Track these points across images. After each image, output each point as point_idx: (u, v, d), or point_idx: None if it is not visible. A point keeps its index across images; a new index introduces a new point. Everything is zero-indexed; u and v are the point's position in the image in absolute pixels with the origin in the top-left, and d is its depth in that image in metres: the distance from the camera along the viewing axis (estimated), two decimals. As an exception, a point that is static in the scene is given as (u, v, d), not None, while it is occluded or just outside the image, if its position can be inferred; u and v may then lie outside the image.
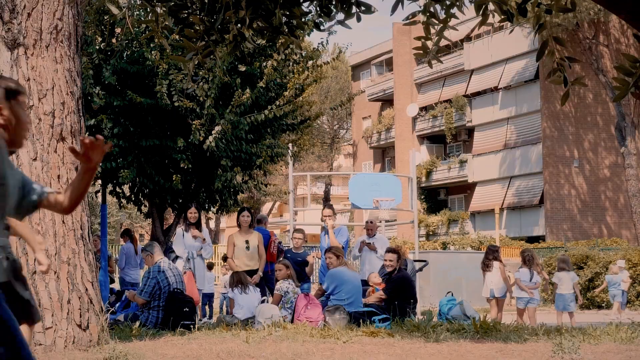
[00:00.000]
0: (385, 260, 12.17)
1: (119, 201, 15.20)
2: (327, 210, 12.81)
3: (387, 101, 49.38)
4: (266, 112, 13.68)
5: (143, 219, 20.79)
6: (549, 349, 7.19)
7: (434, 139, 45.83)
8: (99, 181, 14.97)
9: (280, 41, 6.29)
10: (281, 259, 12.10)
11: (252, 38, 6.54)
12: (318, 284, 13.96)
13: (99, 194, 15.33)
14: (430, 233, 43.18)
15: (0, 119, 3.23)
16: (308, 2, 6.38)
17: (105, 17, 13.26)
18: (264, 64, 13.99)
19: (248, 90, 13.32)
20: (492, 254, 14.16)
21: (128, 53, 13.66)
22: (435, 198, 46.03)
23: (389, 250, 12.39)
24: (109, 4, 6.26)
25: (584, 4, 29.93)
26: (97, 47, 13.41)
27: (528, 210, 39.57)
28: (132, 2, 13.40)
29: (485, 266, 14.10)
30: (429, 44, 5.87)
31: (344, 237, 12.81)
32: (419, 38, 5.92)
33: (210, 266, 19.32)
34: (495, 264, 13.83)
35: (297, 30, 5.95)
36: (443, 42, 6.22)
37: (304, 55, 14.92)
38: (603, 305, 23.36)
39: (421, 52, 5.91)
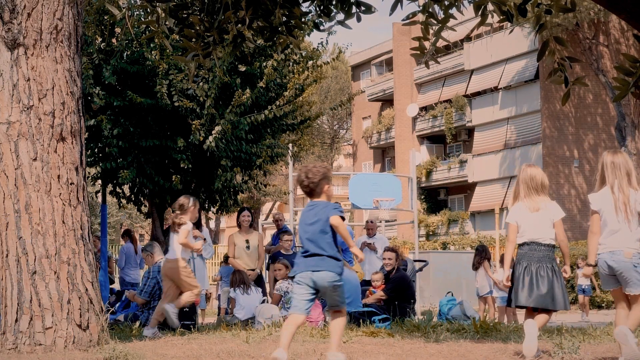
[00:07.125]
0: (384, 259, 12.26)
1: (119, 201, 15.19)
2: None
3: (387, 101, 49.36)
4: (266, 112, 13.68)
5: (143, 219, 20.76)
6: (549, 349, 7.18)
7: (434, 139, 45.81)
8: (99, 181, 14.97)
9: (279, 41, 6.31)
10: (281, 258, 12.10)
11: (252, 38, 6.54)
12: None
13: (99, 194, 15.32)
14: (430, 233, 43.15)
15: None
16: (308, 2, 6.38)
17: (105, 17, 13.24)
18: (264, 64, 13.97)
19: (248, 90, 13.31)
20: (478, 254, 14.53)
21: (128, 53, 13.65)
22: (435, 198, 46.02)
23: (388, 249, 12.48)
24: (109, 5, 6.26)
25: (584, 4, 29.89)
26: (97, 47, 13.40)
27: (528, 210, 39.48)
28: (132, 2, 13.39)
29: (474, 266, 14.46)
30: (427, 44, 5.87)
31: (349, 237, 12.81)
32: (416, 38, 5.91)
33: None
34: (483, 263, 14.21)
35: (295, 30, 5.95)
36: (442, 43, 6.26)
37: (303, 55, 14.91)
38: (603, 305, 23.37)
39: (418, 52, 5.91)
